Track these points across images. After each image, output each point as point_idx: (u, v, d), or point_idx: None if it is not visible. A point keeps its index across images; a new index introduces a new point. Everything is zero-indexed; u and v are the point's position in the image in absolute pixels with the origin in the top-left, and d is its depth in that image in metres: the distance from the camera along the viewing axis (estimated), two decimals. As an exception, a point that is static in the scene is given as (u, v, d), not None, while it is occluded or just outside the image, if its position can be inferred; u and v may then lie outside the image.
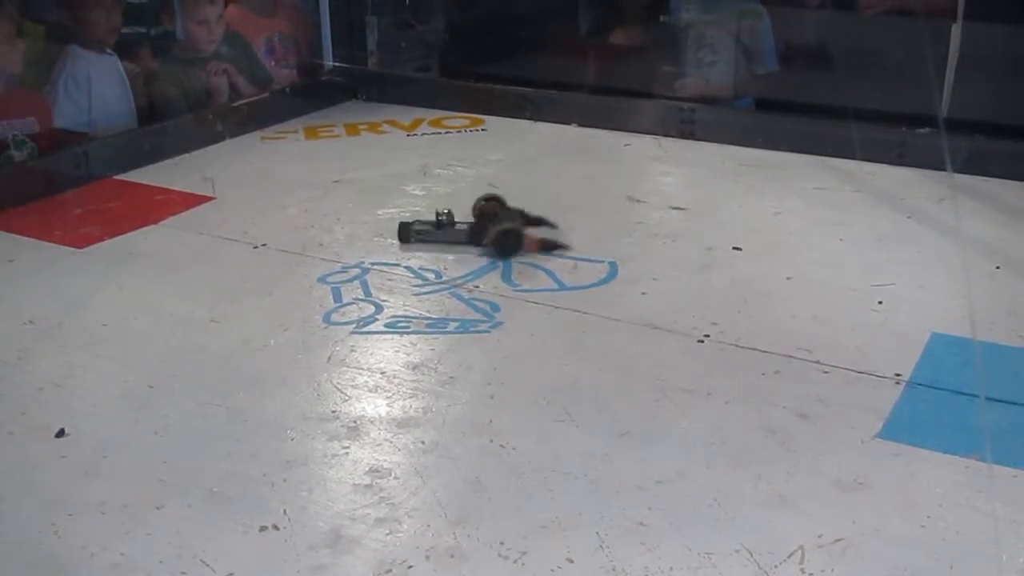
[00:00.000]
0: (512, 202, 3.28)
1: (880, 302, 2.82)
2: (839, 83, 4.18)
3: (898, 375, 2.43)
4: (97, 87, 4.05)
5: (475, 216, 3.25)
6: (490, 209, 3.24)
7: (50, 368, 2.51)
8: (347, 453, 2.16)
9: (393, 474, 2.08)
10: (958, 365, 2.47)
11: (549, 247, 3.16)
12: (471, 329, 2.70)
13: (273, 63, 4.82)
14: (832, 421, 2.26)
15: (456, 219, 3.21)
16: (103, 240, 3.29)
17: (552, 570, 1.81)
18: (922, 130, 3.93)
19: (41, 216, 3.49)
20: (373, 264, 3.08)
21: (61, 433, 2.22)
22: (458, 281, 2.97)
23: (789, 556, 1.83)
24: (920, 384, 2.40)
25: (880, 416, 2.26)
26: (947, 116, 3.95)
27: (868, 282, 2.93)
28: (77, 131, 4.03)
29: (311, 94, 4.90)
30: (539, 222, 3.26)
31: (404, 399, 2.36)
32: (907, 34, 4.04)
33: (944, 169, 3.69)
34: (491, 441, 2.19)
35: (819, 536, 1.88)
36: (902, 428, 2.22)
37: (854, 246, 3.23)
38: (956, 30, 3.97)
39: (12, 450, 2.19)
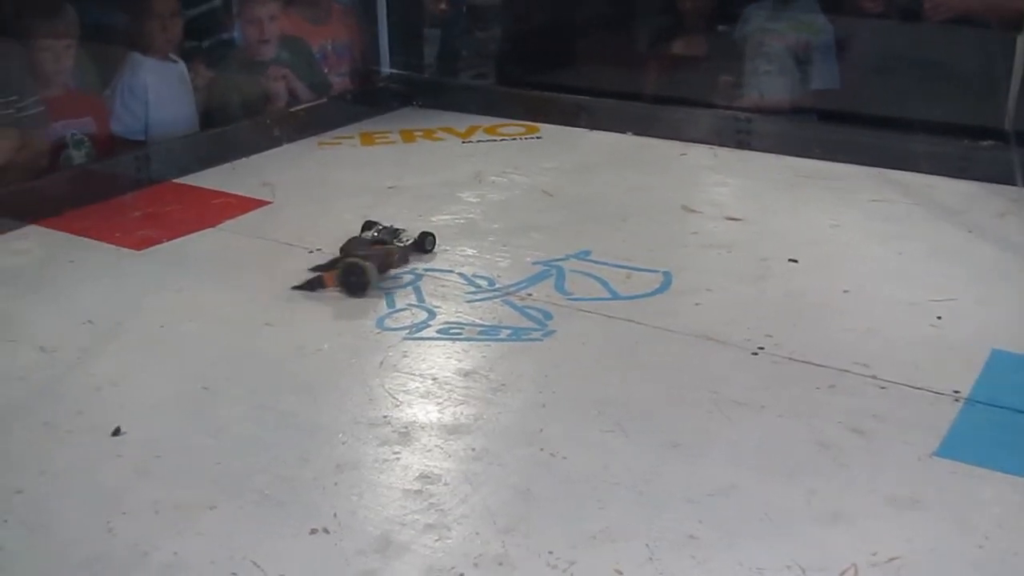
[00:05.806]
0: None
1: (939, 317, 2.77)
2: (900, 94, 4.13)
3: (956, 392, 2.39)
4: (157, 95, 4.10)
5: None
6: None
7: (107, 368, 2.55)
8: (398, 458, 2.16)
9: (443, 480, 2.08)
10: (1018, 383, 2.42)
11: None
12: (523, 337, 2.70)
13: (326, 71, 4.84)
14: (887, 437, 2.22)
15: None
16: (161, 243, 3.34)
17: (600, 581, 1.80)
18: (985, 143, 3.87)
19: (101, 218, 3.54)
20: (426, 270, 3.09)
21: (117, 432, 2.25)
22: (511, 289, 2.97)
23: (842, 574, 1.80)
24: (979, 402, 2.35)
25: (937, 433, 2.22)
26: (1012, 128, 3.87)
27: (926, 297, 2.89)
28: (133, 139, 4.08)
29: (368, 101, 4.92)
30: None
31: (455, 406, 2.36)
32: (971, 45, 3.98)
33: (1007, 183, 3.63)
34: (541, 450, 2.18)
35: (873, 554, 1.85)
36: (960, 446, 2.18)
37: (912, 260, 3.18)
38: (1022, 41, 3.90)
39: (69, 448, 2.22)
